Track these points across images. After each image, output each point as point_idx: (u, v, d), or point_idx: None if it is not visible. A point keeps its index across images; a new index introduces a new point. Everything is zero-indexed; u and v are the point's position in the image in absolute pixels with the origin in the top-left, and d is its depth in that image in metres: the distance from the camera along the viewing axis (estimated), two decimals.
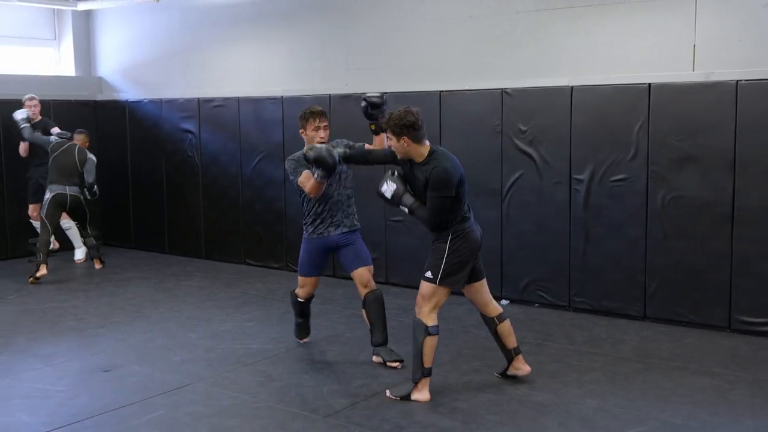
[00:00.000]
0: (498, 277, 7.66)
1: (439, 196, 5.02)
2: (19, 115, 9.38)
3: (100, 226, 11.09)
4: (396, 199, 5.28)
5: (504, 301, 7.63)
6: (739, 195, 6.46)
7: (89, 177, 9.28)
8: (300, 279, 6.19)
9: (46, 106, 10.31)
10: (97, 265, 9.56)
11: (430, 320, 5.10)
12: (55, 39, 11.34)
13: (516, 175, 7.51)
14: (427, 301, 5.14)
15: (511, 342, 5.45)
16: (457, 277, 5.13)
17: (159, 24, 10.50)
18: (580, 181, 7.17)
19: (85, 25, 11.27)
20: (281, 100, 9.14)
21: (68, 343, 6.54)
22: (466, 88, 7.78)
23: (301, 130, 5.99)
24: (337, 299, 7.94)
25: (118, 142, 10.86)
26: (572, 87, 7.16)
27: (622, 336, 6.56)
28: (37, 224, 9.82)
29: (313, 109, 6.01)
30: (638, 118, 6.84)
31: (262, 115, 9.34)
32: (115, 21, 11.00)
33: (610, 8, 7.07)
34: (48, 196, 8.99)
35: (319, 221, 5.94)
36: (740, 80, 6.38)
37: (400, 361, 5.79)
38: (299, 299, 6.29)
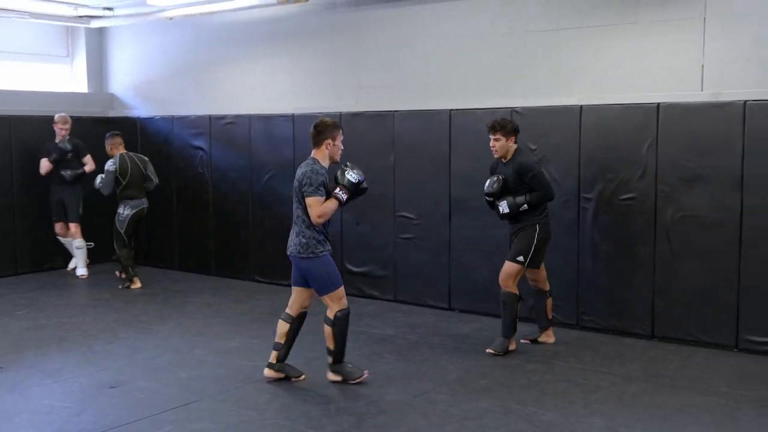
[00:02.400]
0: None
1: (537, 173, 6.50)
2: (98, 180, 9.43)
3: (110, 242, 11.14)
4: (513, 210, 6.52)
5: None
6: (747, 215, 6.45)
7: (155, 178, 9.45)
8: (339, 291, 5.79)
9: None
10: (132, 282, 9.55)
11: (516, 290, 6.52)
12: (68, 56, 11.45)
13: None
14: (513, 278, 6.52)
15: (550, 314, 6.89)
16: (536, 260, 6.58)
17: (171, 41, 10.59)
18: (589, 199, 7.17)
19: (98, 42, 11.38)
20: (292, 118, 9.19)
21: (76, 359, 6.56)
22: (477, 106, 7.81)
23: (327, 141, 5.70)
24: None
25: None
26: (581, 106, 7.19)
27: (629, 355, 6.54)
28: (65, 240, 10.13)
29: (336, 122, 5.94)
30: (647, 137, 6.85)
31: (273, 132, 9.39)
32: (127, 38, 11.11)
33: (620, 28, 7.09)
34: (128, 212, 9.20)
35: (327, 238, 5.89)
36: (748, 100, 6.39)
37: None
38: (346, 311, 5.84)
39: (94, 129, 10.90)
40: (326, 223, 5.76)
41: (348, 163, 5.90)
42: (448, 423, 5.09)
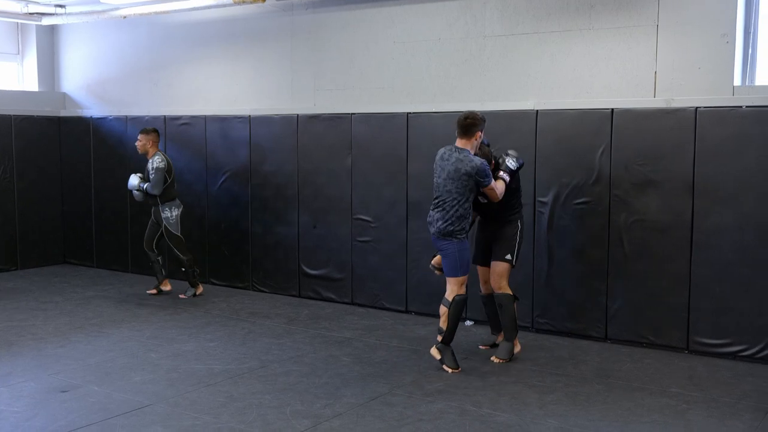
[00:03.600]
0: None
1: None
2: (135, 181, 8.83)
3: (61, 244, 10.97)
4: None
5: (468, 322, 7.67)
6: (697, 218, 6.59)
7: None
8: (464, 278, 6.17)
9: (8, 121, 10.20)
10: (168, 287, 9.11)
11: (509, 290, 6.49)
12: (18, 53, 11.22)
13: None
14: (506, 278, 6.51)
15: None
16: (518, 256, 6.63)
17: (126, 40, 10.44)
18: (545, 203, 7.25)
19: (50, 40, 11.18)
20: (249, 119, 9.14)
21: (26, 363, 6.42)
22: (434, 110, 7.85)
23: (478, 133, 6.12)
24: (301, 319, 7.92)
25: (82, 158, 10.75)
26: (537, 111, 7.27)
27: (584, 357, 6.62)
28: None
29: None
30: (601, 142, 6.95)
31: (230, 134, 9.32)
32: (80, 36, 10.92)
33: (575, 34, 7.19)
34: (177, 213, 8.75)
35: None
36: (699, 107, 6.53)
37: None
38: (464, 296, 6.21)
39: (46, 128, 10.73)
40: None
41: (509, 151, 6.45)
42: (403, 425, 5.09)
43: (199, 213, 9.65)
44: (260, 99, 9.23)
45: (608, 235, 6.97)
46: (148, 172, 8.67)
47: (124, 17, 9.54)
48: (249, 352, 6.74)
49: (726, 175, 6.45)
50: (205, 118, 9.52)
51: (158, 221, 8.76)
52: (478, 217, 6.69)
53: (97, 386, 5.83)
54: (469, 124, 6.08)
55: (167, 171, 8.63)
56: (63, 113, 11.02)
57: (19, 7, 9.70)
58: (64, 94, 11.20)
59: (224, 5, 8.80)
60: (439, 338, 6.23)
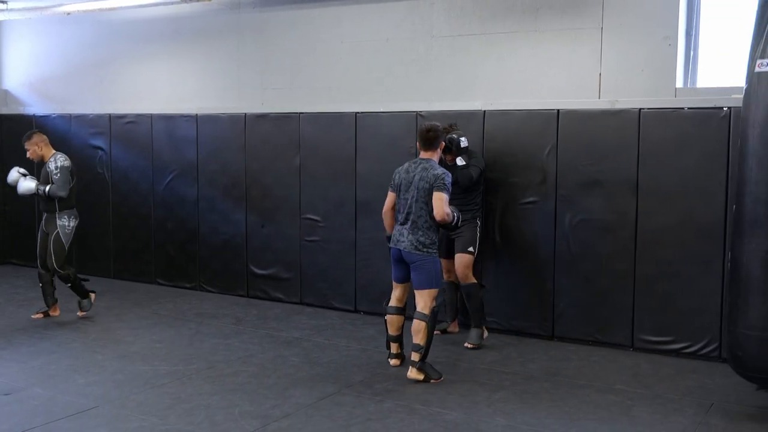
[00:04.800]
0: (411, 297, 7.70)
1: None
2: (28, 183, 7.80)
3: (3, 244, 10.70)
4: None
5: None
6: (641, 218, 6.72)
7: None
8: (437, 290, 6.14)
9: None
10: (57, 313, 8.01)
11: (475, 279, 6.87)
12: None
13: None
14: (470, 269, 6.85)
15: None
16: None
17: (70, 37, 10.23)
18: (492, 203, 7.31)
19: None
20: (196, 118, 9.04)
21: None
22: (381, 110, 7.86)
23: (441, 144, 6.27)
24: (249, 319, 7.86)
25: (23, 157, 10.46)
26: (485, 111, 7.33)
27: (531, 355, 6.70)
28: None
29: None
30: (547, 142, 7.04)
31: (176, 132, 9.21)
32: (22, 32, 10.67)
33: (522, 36, 7.28)
34: (74, 224, 7.78)
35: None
36: (643, 108, 6.66)
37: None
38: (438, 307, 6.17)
39: None
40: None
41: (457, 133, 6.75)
42: (352, 424, 5.10)
43: (145, 212, 9.51)
44: (207, 98, 9.14)
45: (554, 235, 7.07)
46: (50, 173, 7.60)
47: (68, 14, 9.35)
48: (196, 352, 6.67)
49: (669, 175, 6.59)
50: (152, 117, 9.39)
51: (49, 231, 7.68)
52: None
53: (41, 389, 5.71)
54: (432, 137, 6.10)
55: (72, 172, 7.71)
56: (4, 111, 10.76)
57: None
58: (6, 91, 10.93)
59: (171, 2, 8.68)
60: (418, 356, 5.96)
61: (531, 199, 7.15)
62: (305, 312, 8.16)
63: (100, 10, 9.13)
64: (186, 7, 9.00)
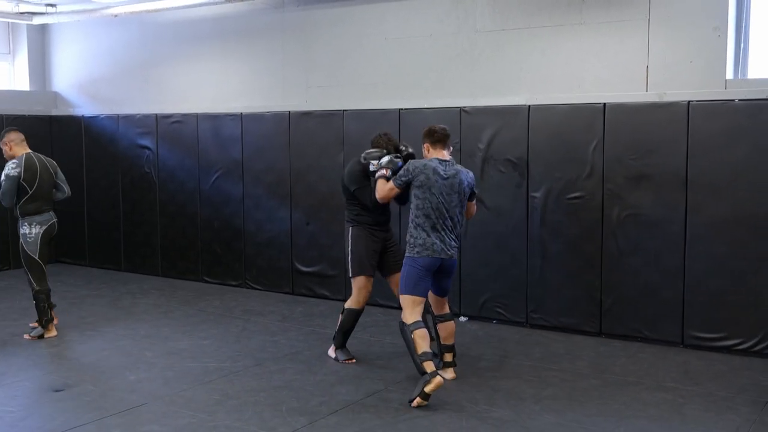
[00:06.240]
0: (456, 293, 7.70)
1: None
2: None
3: (54, 243, 10.90)
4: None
5: (462, 318, 7.67)
6: (691, 212, 6.60)
7: (67, 188, 7.36)
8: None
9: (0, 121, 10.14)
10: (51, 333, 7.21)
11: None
12: (9, 53, 11.15)
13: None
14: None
15: None
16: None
17: (117, 39, 10.40)
18: (537, 198, 7.25)
19: (41, 39, 11.12)
20: (240, 117, 9.11)
21: (20, 363, 6.40)
22: (425, 106, 7.84)
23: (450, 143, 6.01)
24: (295, 316, 7.91)
25: (74, 157, 10.70)
26: (529, 106, 7.27)
27: (578, 352, 6.63)
28: None
29: None
30: (594, 137, 6.95)
31: (221, 131, 9.29)
32: (71, 35, 10.87)
33: (567, 29, 7.19)
34: (37, 231, 7.00)
35: None
36: (692, 101, 6.54)
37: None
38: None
39: (37, 128, 10.67)
40: None
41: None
42: (399, 421, 5.09)
43: (191, 211, 9.63)
44: (252, 96, 9.20)
45: (602, 230, 6.98)
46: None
47: (115, 16, 9.49)
48: (243, 349, 6.73)
49: (719, 168, 6.46)
50: (197, 116, 9.49)
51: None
52: (365, 225, 6.27)
53: (92, 385, 5.81)
54: (448, 134, 5.87)
55: (26, 179, 6.88)
56: (54, 112, 10.97)
57: (10, 7, 9.63)
58: (56, 93, 11.15)
59: (215, 3, 8.77)
60: (452, 356, 5.93)
61: (577, 194, 7.06)
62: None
63: (147, 11, 9.26)
64: (230, 7, 9.08)
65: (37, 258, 7.01)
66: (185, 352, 6.65)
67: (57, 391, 5.69)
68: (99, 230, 10.58)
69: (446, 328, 5.95)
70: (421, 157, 5.91)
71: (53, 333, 7.12)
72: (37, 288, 7.01)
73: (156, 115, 9.86)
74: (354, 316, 6.33)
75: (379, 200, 5.91)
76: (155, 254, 10.03)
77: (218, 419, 5.13)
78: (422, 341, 5.49)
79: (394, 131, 7.95)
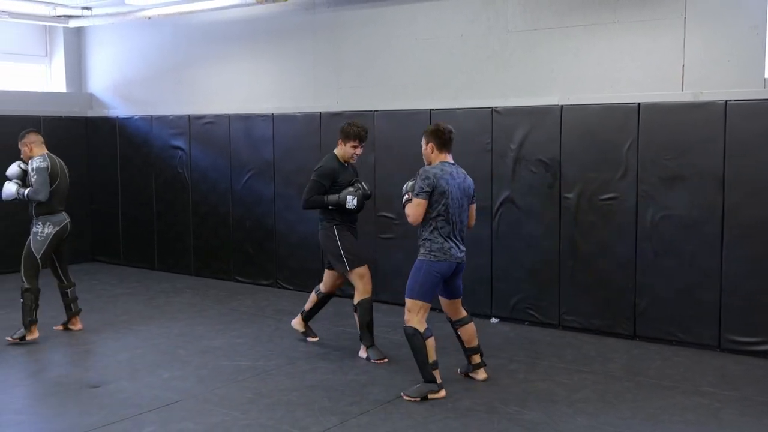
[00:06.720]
0: (488, 294, 7.68)
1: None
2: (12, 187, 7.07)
3: (89, 242, 11.07)
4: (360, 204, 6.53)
5: (494, 319, 7.64)
6: (728, 214, 6.51)
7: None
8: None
9: (37, 122, 10.29)
10: (78, 326, 7.46)
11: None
12: (46, 55, 11.33)
13: (506, 194, 7.54)
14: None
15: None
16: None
17: (150, 41, 10.51)
18: (570, 199, 7.20)
19: (77, 42, 11.28)
20: (272, 118, 9.16)
21: (58, 359, 6.50)
22: (457, 106, 7.82)
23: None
24: (326, 316, 7.92)
25: (108, 158, 10.85)
26: (562, 106, 7.22)
27: (611, 354, 6.57)
28: None
29: None
30: (628, 137, 6.89)
31: (253, 132, 9.35)
32: (106, 38, 11.02)
33: (600, 28, 7.13)
34: (50, 231, 6.97)
35: None
36: (729, 100, 6.45)
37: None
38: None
39: (73, 129, 10.84)
40: None
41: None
42: (431, 422, 5.08)
43: (223, 211, 9.70)
44: (283, 97, 9.25)
45: (636, 231, 6.91)
46: (29, 176, 6.96)
47: (149, 18, 9.60)
48: (276, 349, 6.77)
49: (757, 168, 6.36)
50: (229, 117, 9.56)
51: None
52: (347, 224, 6.60)
53: (128, 382, 5.88)
54: (453, 137, 5.81)
55: (50, 175, 6.91)
56: (90, 114, 11.13)
57: (47, 10, 9.79)
58: (91, 95, 11.30)
59: (247, 5, 8.83)
60: (479, 357, 5.94)
61: (611, 195, 7.00)
62: (381, 309, 8.16)
63: (180, 14, 9.35)
64: (262, 9, 9.14)
65: (38, 257, 6.94)
66: (219, 351, 6.70)
67: (93, 387, 5.77)
68: (133, 230, 10.71)
69: (467, 332, 5.92)
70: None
71: (35, 335, 6.94)
72: (28, 286, 6.91)
73: (189, 116, 9.95)
74: (369, 305, 6.48)
75: (413, 223, 5.71)
76: (188, 254, 10.12)
77: (251, 417, 5.16)
78: (433, 350, 5.57)
79: None
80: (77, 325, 7.42)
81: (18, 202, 7.05)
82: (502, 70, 7.69)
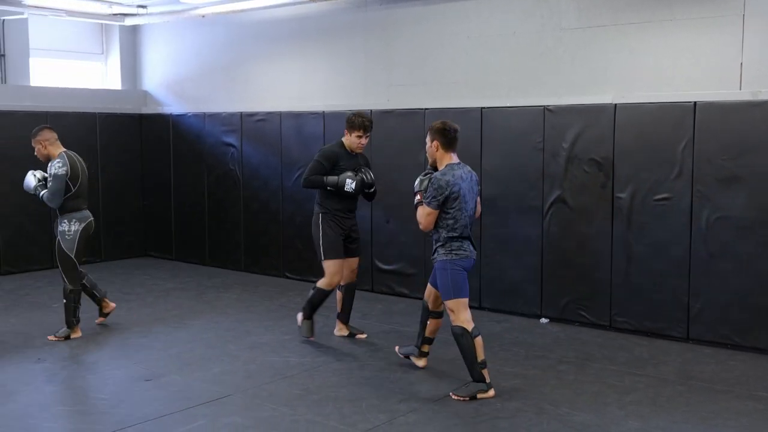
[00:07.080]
0: (538, 295, 7.61)
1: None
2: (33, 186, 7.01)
3: (142, 237, 11.27)
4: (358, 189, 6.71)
5: (544, 320, 7.57)
6: None
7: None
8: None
9: (93, 119, 10.51)
10: (111, 306, 7.53)
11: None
12: (102, 53, 11.56)
13: (557, 193, 7.46)
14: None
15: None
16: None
17: (204, 39, 10.65)
18: (623, 199, 7.09)
19: (132, 40, 11.49)
20: (323, 115, 9.21)
21: (111, 352, 6.62)
22: (508, 104, 7.76)
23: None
24: (375, 314, 7.95)
25: (162, 154, 11.02)
26: (615, 105, 7.12)
27: (664, 357, 6.46)
28: None
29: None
30: (683, 136, 6.76)
31: (304, 129, 9.41)
32: (160, 36, 11.20)
33: (656, 26, 7.01)
34: (76, 228, 6.88)
35: None
36: None
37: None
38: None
39: (128, 125, 11.04)
40: None
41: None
42: (479, 422, 5.06)
43: (274, 208, 9.78)
44: (334, 95, 9.29)
45: (690, 233, 6.78)
46: (48, 178, 6.88)
47: (203, 16, 9.73)
48: (324, 345, 6.80)
49: None
50: (281, 114, 9.64)
51: (57, 236, 6.99)
52: (336, 211, 6.80)
53: (179, 376, 5.97)
54: (459, 136, 5.78)
55: (71, 178, 6.80)
56: (144, 111, 11.32)
57: (104, 9, 9.99)
58: (146, 92, 11.50)
59: (299, 2, 8.89)
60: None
61: (665, 195, 6.88)
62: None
63: (233, 12, 9.45)
64: (313, 7, 9.19)
65: (73, 257, 6.89)
66: (267, 346, 6.76)
67: (146, 380, 5.87)
68: (185, 225, 10.86)
69: (435, 324, 6.08)
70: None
71: (78, 334, 7.02)
72: (71, 287, 6.93)
73: (241, 113, 10.05)
74: (324, 296, 6.79)
75: (424, 230, 5.75)
76: (238, 250, 10.23)
77: (299, 413, 5.20)
78: (481, 349, 5.56)
79: (476, 130, 7.93)
80: (110, 306, 7.45)
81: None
82: (555, 68, 7.61)
